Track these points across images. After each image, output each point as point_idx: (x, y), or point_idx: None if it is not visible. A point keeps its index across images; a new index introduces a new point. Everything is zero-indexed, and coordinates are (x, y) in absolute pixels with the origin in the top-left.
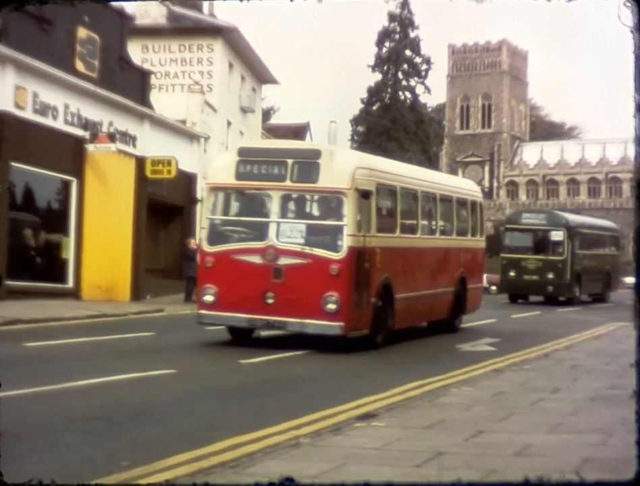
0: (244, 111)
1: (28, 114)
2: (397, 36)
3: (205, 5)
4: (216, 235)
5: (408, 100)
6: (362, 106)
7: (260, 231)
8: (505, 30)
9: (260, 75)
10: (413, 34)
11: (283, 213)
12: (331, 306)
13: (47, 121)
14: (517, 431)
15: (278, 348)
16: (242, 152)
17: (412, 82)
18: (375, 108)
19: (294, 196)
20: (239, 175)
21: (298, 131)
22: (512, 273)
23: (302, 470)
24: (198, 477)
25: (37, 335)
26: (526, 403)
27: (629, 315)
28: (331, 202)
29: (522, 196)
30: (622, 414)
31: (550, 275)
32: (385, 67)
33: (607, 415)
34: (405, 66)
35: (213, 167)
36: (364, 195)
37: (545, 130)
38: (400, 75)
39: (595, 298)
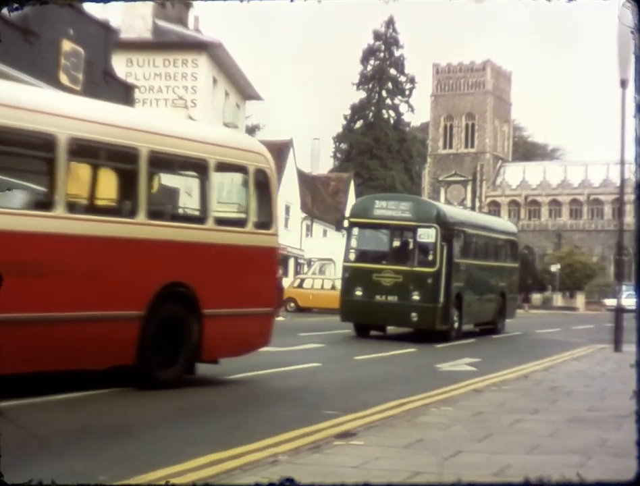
0: (228, 126)
1: None
2: (382, 55)
3: (190, 21)
4: None
5: (391, 119)
6: (345, 123)
7: None
8: (490, 51)
9: (244, 91)
10: (398, 52)
11: None
12: None
13: None
14: (496, 452)
15: (259, 366)
16: None
17: (396, 101)
18: (358, 126)
19: None
20: None
21: (282, 148)
22: (358, 292)
23: None
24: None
25: None
26: (505, 424)
27: (609, 337)
28: None
29: (504, 217)
30: (601, 436)
31: (415, 296)
32: (370, 85)
33: (586, 437)
34: (389, 85)
35: None
36: None
37: (527, 151)
38: (384, 93)
39: (483, 329)
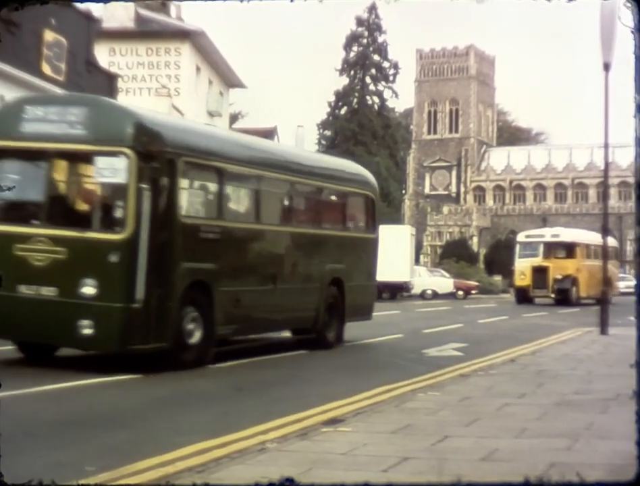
0: (211, 114)
1: None
2: (365, 41)
3: (173, 9)
4: None
5: (375, 105)
6: (329, 110)
7: None
8: (473, 36)
9: (227, 79)
10: (381, 38)
11: None
12: None
13: None
14: (483, 436)
15: (248, 354)
16: None
17: (380, 87)
18: (342, 112)
19: None
20: None
21: (266, 136)
22: None
23: (268, 475)
24: (164, 482)
25: None
26: (493, 408)
27: (595, 320)
28: None
29: (489, 201)
30: (588, 419)
31: (88, 288)
32: (353, 72)
33: (573, 420)
34: (373, 70)
35: None
36: None
37: (512, 135)
38: (368, 79)
39: (303, 340)
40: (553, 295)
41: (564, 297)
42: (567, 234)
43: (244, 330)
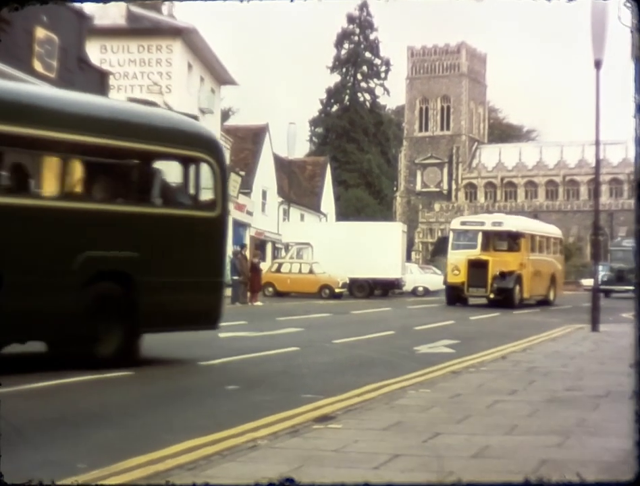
0: (203, 112)
1: None
2: (356, 38)
3: (164, 6)
4: None
5: (367, 102)
6: (321, 107)
7: None
8: (464, 33)
9: (219, 76)
10: (372, 35)
11: None
12: None
13: None
14: (474, 433)
15: (237, 351)
16: None
17: (372, 84)
18: (334, 109)
19: None
20: None
21: (258, 133)
22: None
23: (259, 472)
24: (154, 480)
25: None
26: (484, 405)
27: (586, 317)
28: None
29: (481, 199)
30: (579, 416)
31: None
32: (344, 69)
33: (564, 417)
34: (364, 68)
35: None
36: None
37: (503, 132)
38: (359, 76)
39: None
40: (492, 296)
41: (505, 297)
42: (511, 222)
43: None
